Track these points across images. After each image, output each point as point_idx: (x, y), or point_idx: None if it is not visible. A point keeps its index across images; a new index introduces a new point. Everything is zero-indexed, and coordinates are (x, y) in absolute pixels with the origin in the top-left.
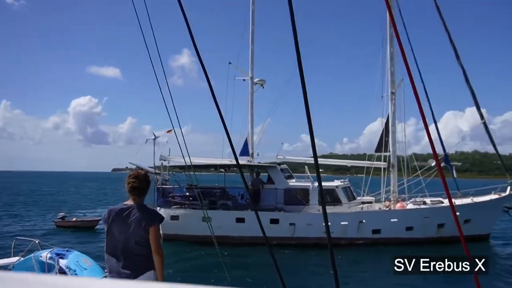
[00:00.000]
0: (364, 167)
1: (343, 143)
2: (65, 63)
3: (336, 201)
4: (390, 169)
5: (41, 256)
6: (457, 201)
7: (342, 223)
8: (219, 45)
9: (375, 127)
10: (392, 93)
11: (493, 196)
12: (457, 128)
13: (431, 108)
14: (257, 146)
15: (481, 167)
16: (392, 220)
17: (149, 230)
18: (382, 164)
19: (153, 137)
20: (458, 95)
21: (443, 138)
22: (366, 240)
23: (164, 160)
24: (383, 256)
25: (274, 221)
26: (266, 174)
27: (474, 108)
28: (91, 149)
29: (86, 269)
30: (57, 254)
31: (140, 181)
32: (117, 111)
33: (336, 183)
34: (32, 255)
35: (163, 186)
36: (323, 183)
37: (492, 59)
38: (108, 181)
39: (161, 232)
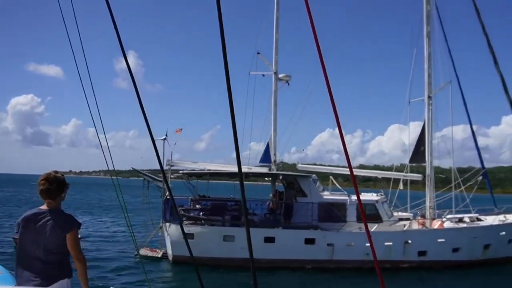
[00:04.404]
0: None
1: (291, 152)
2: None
3: (376, 218)
4: (427, 182)
5: None
6: (490, 218)
7: (386, 243)
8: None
9: (324, 137)
10: (429, 97)
11: None
12: (400, 141)
13: (468, 117)
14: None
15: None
16: (439, 240)
17: (65, 236)
18: (417, 176)
19: (163, 137)
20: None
21: (386, 151)
22: (412, 264)
23: (172, 166)
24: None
25: (310, 241)
26: (280, 184)
27: (417, 122)
28: (31, 150)
29: None
30: None
31: (50, 183)
32: (60, 112)
33: (375, 196)
34: None
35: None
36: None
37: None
38: None
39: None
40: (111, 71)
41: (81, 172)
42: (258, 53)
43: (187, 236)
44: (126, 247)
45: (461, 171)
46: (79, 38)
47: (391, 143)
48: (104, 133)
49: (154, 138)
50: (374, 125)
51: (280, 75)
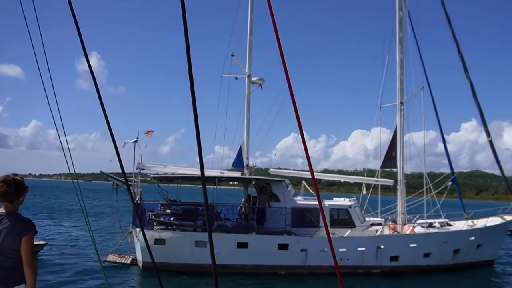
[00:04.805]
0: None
1: (255, 156)
2: None
3: (349, 223)
4: (398, 187)
5: None
6: (459, 223)
7: (359, 249)
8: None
9: (288, 142)
10: (401, 103)
11: (499, 219)
12: (363, 146)
13: (439, 122)
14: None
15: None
16: (411, 245)
17: (21, 240)
18: (389, 182)
19: (134, 139)
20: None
21: (350, 156)
22: (384, 269)
23: (142, 170)
24: None
25: (283, 247)
26: (253, 189)
27: (379, 128)
28: None
29: None
30: None
31: (8, 185)
32: (20, 113)
33: (348, 201)
34: None
35: (144, 202)
36: (334, 202)
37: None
38: None
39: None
40: (73, 72)
41: (41, 175)
42: (233, 55)
43: (158, 242)
44: (91, 252)
45: (423, 176)
46: (40, 37)
47: (355, 148)
48: (65, 135)
49: (125, 141)
50: (338, 130)
51: (254, 79)
